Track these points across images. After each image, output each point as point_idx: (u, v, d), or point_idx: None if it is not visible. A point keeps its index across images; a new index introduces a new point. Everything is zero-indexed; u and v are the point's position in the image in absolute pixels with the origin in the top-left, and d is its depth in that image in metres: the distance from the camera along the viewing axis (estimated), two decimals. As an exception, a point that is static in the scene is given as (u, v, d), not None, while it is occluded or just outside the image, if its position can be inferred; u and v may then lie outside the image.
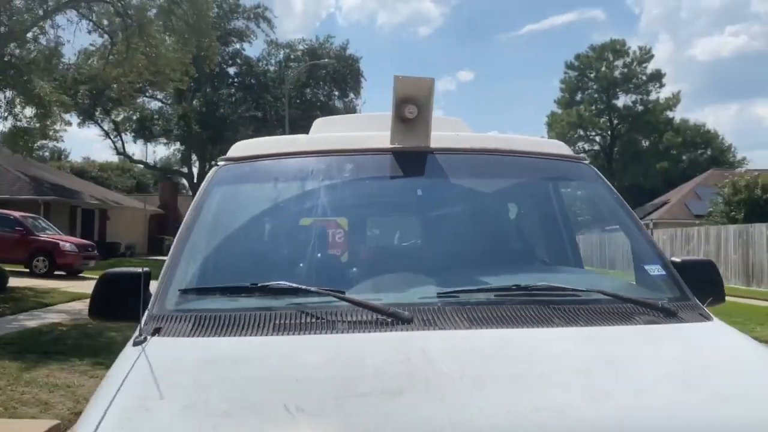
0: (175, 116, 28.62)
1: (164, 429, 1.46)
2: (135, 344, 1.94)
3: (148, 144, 40.68)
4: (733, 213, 26.23)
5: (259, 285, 2.11)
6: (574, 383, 1.61)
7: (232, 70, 35.34)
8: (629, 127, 60.72)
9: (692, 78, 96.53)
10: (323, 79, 36.81)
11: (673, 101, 59.64)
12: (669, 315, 2.11)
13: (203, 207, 2.53)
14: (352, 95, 38.04)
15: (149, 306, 2.17)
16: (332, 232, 2.59)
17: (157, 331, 1.97)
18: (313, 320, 1.97)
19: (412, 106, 2.74)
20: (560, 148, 2.97)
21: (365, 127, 3.30)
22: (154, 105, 35.52)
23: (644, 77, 60.04)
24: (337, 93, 37.50)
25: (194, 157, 38.67)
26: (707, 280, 2.55)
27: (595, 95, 61.41)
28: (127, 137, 38.48)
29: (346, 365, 1.73)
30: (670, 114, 60.13)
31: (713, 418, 1.51)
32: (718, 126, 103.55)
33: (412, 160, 2.69)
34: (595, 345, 1.89)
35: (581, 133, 60.53)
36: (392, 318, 1.95)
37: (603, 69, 60.11)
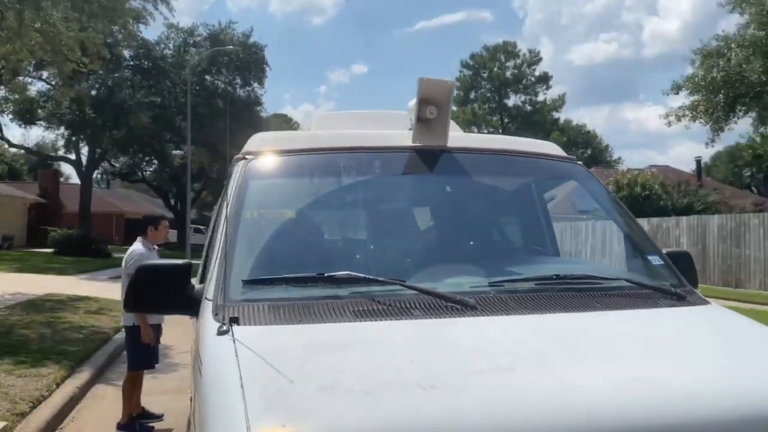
0: (67, 99, 26.57)
1: (315, 408, 1.53)
2: (219, 334, 1.97)
3: (28, 128, 37.61)
4: (616, 209, 28.45)
5: (326, 275, 2.20)
6: (649, 357, 1.87)
7: (127, 53, 33.33)
8: (519, 126, 63.79)
9: (570, 80, 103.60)
10: (226, 67, 35.68)
11: (559, 102, 63.65)
12: (680, 299, 2.44)
13: (245, 200, 2.56)
14: (255, 84, 37.18)
15: (212, 297, 2.20)
16: (371, 225, 2.71)
17: (234, 320, 2.01)
18: (386, 307, 2.09)
19: (432, 107, 2.91)
20: (556, 149, 3.26)
21: (369, 124, 3.43)
22: (41, 86, 32.84)
23: (533, 78, 63.49)
24: (239, 81, 36.52)
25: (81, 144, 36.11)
26: (685, 268, 2.93)
27: (488, 94, 64.12)
28: (5, 119, 35.30)
29: (446, 346, 1.89)
30: (556, 114, 64.11)
31: None
32: (592, 127, 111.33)
33: (434, 158, 2.87)
34: (640, 325, 2.17)
35: (475, 130, 62.85)
36: (460, 305, 2.11)
37: (496, 69, 62.86)
